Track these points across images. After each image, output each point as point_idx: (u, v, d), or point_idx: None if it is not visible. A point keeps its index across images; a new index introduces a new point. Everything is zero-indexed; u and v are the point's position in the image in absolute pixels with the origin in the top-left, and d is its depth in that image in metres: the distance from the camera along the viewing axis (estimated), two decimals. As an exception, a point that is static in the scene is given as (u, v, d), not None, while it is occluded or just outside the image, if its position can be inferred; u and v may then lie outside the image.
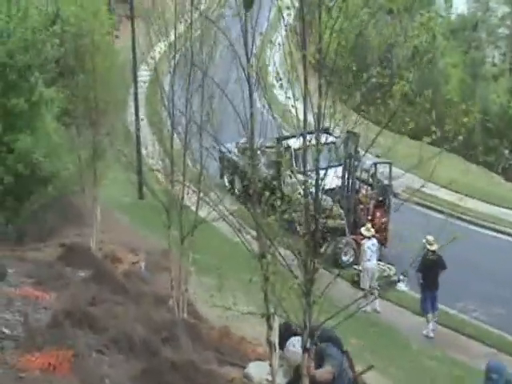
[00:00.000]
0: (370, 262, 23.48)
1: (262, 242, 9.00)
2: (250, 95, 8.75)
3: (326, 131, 26.25)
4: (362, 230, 24.14)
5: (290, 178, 24.70)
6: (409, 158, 30.76)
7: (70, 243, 21.41)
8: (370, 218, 26.39)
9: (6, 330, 10.76)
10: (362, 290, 22.50)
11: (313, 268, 7.78)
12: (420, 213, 29.21)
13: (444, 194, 28.80)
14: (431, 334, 21.34)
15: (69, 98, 25.07)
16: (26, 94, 24.65)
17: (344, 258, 25.99)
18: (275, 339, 9.06)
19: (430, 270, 21.36)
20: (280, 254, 8.55)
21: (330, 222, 26.76)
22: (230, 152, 28.86)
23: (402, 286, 23.55)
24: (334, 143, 27.89)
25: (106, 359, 10.19)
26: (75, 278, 16.79)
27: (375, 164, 26.69)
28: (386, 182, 26.79)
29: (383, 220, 26.60)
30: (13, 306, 12.87)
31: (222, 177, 31.53)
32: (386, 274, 23.93)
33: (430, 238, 21.86)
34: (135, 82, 28.54)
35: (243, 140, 29.80)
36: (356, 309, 8.03)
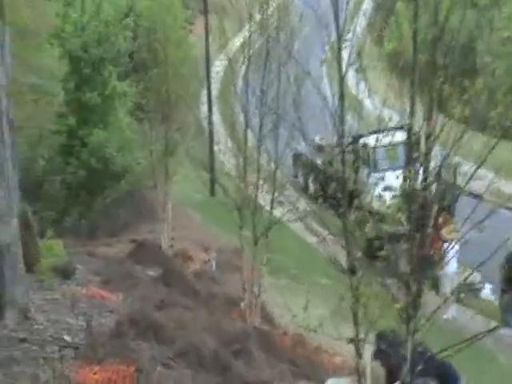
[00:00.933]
0: (450, 266, 21.83)
1: (352, 253, 7.73)
2: (341, 77, 7.31)
3: (401, 128, 24.14)
4: (443, 231, 22.45)
5: (368, 178, 23.02)
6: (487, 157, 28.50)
7: (141, 240, 20.49)
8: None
9: (68, 338, 9.84)
10: (440, 296, 21.10)
11: (417, 289, 6.51)
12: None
13: None
14: None
15: (142, 93, 24.35)
16: (100, 88, 24.01)
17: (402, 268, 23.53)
18: (366, 369, 7.76)
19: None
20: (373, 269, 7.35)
21: (388, 228, 25.38)
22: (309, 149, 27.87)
23: (487, 294, 21.85)
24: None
25: (173, 374, 9.15)
26: (144, 278, 15.83)
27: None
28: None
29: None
30: (77, 308, 11.97)
31: (295, 176, 30.41)
32: (468, 280, 22.05)
33: None
34: (208, 76, 27.57)
35: (318, 137, 28.66)
36: (474, 338, 6.63)
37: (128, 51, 25.05)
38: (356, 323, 7.40)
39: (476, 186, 8.29)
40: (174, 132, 21.59)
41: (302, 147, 27.23)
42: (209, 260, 21.07)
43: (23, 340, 9.64)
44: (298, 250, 23.62)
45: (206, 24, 28.91)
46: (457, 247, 21.56)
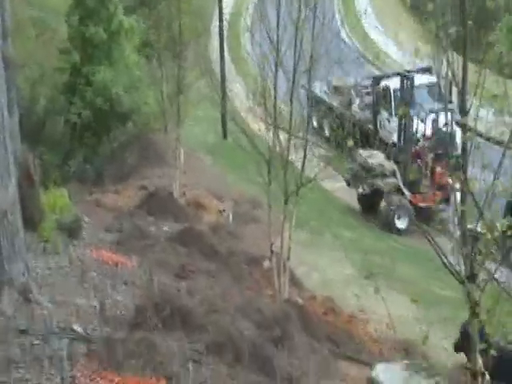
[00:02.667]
0: None
1: (472, 258, 5.65)
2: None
3: (428, 71, 21.17)
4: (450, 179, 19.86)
5: (388, 121, 20.20)
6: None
7: (152, 190, 18.33)
8: (428, 174, 21.30)
9: (78, 328, 7.82)
10: None
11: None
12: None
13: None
14: None
15: (151, 28, 21.99)
16: (105, 23, 21.49)
17: (397, 223, 20.71)
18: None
19: None
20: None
21: (380, 181, 20.95)
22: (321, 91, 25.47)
23: None
24: (438, 83, 23.83)
25: (207, 373, 7.15)
26: (159, 235, 13.73)
27: (436, 112, 21.91)
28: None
29: (443, 176, 20.61)
30: (87, 280, 9.94)
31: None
32: None
33: None
34: (220, 9, 25.04)
35: (334, 78, 26.22)
36: None
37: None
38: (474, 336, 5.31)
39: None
40: (186, 71, 19.29)
41: (317, 89, 24.97)
42: (224, 210, 18.94)
43: (23, 331, 7.61)
44: (317, 199, 21.55)
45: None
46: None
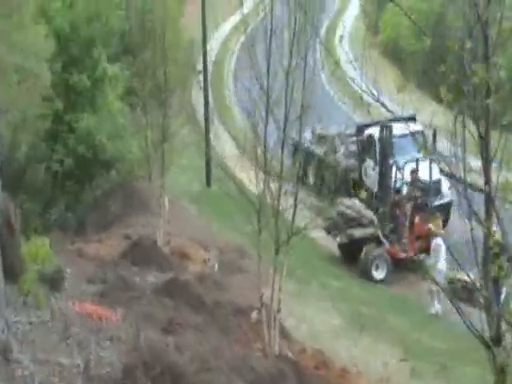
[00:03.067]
0: (441, 263, 18.63)
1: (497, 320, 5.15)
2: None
3: (413, 119, 21.07)
4: (431, 225, 19.61)
5: (373, 169, 19.91)
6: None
7: (136, 238, 17.77)
8: (408, 224, 20.64)
9: (61, 390, 7.22)
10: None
11: None
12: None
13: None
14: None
15: (135, 76, 21.67)
16: (89, 70, 21.12)
17: (375, 273, 20.07)
18: None
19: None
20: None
21: (359, 232, 20.50)
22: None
23: None
24: (422, 132, 23.59)
25: None
26: (144, 287, 13.16)
27: (417, 160, 21.05)
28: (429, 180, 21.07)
29: (423, 226, 20.26)
30: (70, 336, 9.33)
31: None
32: None
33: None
34: (205, 57, 24.79)
35: (319, 127, 25.92)
36: None
37: (120, 31, 22.32)
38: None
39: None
40: (171, 119, 18.90)
41: (301, 137, 24.60)
42: (208, 259, 18.36)
43: (3, 396, 7.01)
44: (303, 247, 21.07)
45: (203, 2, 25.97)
46: (444, 246, 18.40)
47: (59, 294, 11.84)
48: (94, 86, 21.06)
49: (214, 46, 32.52)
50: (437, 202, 21.72)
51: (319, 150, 24.54)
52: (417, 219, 20.59)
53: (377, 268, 20.35)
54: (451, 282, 19.29)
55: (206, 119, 24.36)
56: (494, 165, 6.60)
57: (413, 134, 22.59)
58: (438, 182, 22.33)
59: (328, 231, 21.58)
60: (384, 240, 20.79)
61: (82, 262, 15.68)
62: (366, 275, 20.13)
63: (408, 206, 20.86)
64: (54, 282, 12.10)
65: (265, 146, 12.47)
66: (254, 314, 14.25)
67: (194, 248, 19.14)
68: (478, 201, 6.88)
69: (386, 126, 21.56)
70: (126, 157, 21.61)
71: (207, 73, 25.26)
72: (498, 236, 5.75)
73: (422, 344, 15.34)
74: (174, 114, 19.41)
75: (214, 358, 8.59)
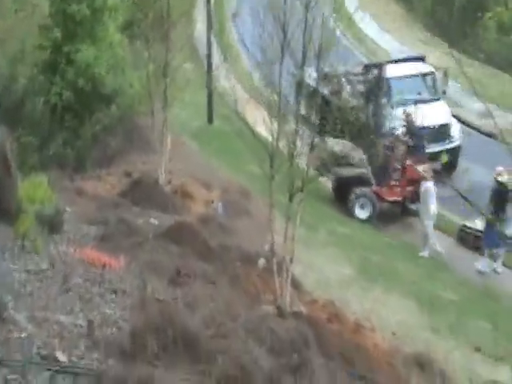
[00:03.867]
0: (434, 205, 17.92)
1: None
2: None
3: (421, 60, 19.84)
4: (420, 168, 18.61)
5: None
6: (502, 94, 24.37)
7: (137, 177, 16.78)
8: (399, 167, 19.66)
9: (61, 356, 6.31)
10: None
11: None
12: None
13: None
14: (485, 269, 16.78)
15: (136, 7, 20.36)
16: (88, 0, 19.81)
17: (357, 212, 19.39)
18: None
19: (499, 202, 17.03)
20: None
21: (346, 170, 19.57)
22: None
23: None
24: (433, 73, 22.43)
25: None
26: (147, 230, 12.17)
27: (415, 101, 20.29)
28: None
29: (415, 171, 19.23)
30: (71, 287, 8.43)
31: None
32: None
33: (501, 168, 17.42)
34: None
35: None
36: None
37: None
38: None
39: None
40: (173, 52, 17.69)
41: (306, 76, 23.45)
42: (212, 201, 17.41)
43: (-3, 362, 6.11)
44: (309, 191, 20.13)
45: None
46: (434, 189, 17.51)
47: (58, 236, 10.91)
48: (94, 16, 19.70)
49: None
50: (444, 146, 20.76)
51: (325, 90, 23.33)
52: (408, 163, 19.59)
53: (362, 207, 19.62)
54: (461, 229, 18.50)
55: (209, 53, 23.06)
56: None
57: (423, 75, 21.60)
58: (447, 125, 21.33)
59: (318, 170, 20.62)
60: (372, 180, 19.88)
61: (82, 201, 14.68)
62: (351, 213, 19.48)
63: (400, 149, 19.89)
64: (52, 224, 11.14)
65: (280, 84, 11.37)
66: (261, 262, 13.38)
67: (196, 187, 18.13)
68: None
69: (379, 66, 20.95)
70: (126, 91, 20.45)
71: (210, 5, 23.82)
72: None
73: (434, 295, 14.54)
74: (177, 48, 18.25)
75: (228, 318, 7.69)
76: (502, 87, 25.98)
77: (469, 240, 18.00)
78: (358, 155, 20.14)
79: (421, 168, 18.74)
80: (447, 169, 21.04)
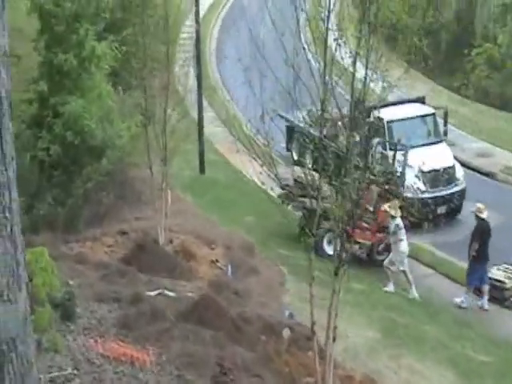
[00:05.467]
0: (404, 242, 16.84)
1: None
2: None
3: (421, 101, 18.61)
4: (386, 206, 17.22)
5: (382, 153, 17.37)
6: (496, 131, 23.30)
7: (139, 240, 15.30)
8: (371, 209, 18.12)
9: None
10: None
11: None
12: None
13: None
14: (465, 305, 16.32)
15: (125, 54, 19.26)
16: (75, 49, 18.40)
17: (326, 248, 17.96)
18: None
19: (483, 239, 16.47)
20: None
21: (314, 203, 20.04)
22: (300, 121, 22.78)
23: None
24: (433, 114, 21.38)
25: None
26: (168, 307, 10.70)
27: (395, 144, 18.95)
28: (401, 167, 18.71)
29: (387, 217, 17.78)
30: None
31: (288, 150, 23.76)
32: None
33: (481, 205, 16.70)
34: (197, 36, 22.08)
35: (315, 108, 23.45)
36: None
37: (107, 7, 19.66)
38: None
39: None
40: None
41: (296, 118, 22.36)
42: (217, 260, 16.01)
43: None
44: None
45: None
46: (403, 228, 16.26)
47: (73, 325, 9.42)
48: (81, 66, 18.31)
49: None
50: (451, 190, 19.66)
51: (319, 133, 22.16)
52: (382, 208, 18.26)
53: (330, 242, 17.69)
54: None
55: (199, 102, 21.76)
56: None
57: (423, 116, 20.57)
58: (451, 167, 20.31)
59: (282, 200, 19.26)
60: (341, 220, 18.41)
61: (84, 270, 13.16)
62: (318, 250, 17.29)
63: (374, 193, 18.55)
64: (65, 310, 9.68)
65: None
66: (286, 333, 12.02)
67: (198, 245, 16.70)
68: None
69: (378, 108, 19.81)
70: (115, 143, 19.02)
71: (200, 52, 22.57)
72: None
73: (468, 358, 13.28)
74: (160, 95, 16.99)
75: None
76: (495, 124, 25.14)
77: (493, 292, 16.82)
78: (328, 190, 18.53)
79: (386, 205, 17.30)
80: (453, 212, 20.00)
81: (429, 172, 19.33)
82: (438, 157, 19.85)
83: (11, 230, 5.23)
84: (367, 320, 14.30)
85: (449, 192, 19.59)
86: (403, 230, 16.89)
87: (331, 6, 9.57)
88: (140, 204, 18.95)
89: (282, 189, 18.98)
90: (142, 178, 20.12)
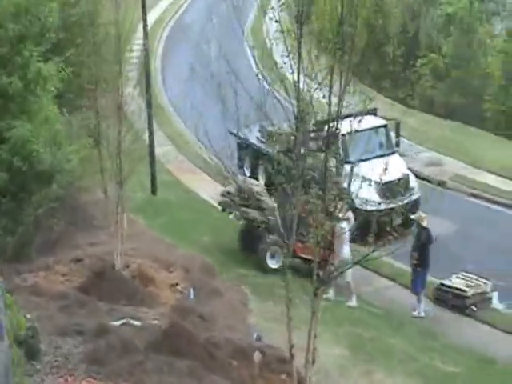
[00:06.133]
0: (347, 247, 16.23)
1: None
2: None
3: (373, 113, 18.40)
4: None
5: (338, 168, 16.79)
6: (443, 140, 23.28)
7: (96, 267, 14.62)
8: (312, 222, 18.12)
9: None
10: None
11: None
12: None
13: (492, 180, 22.39)
14: (422, 314, 16.34)
15: (62, 77, 18.60)
16: (20, 71, 17.63)
17: (270, 262, 17.62)
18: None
19: (425, 246, 16.60)
20: None
21: (255, 213, 17.40)
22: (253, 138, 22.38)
23: (497, 304, 17.09)
24: (386, 126, 21.20)
25: None
26: (138, 341, 10.10)
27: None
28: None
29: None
30: None
31: (241, 167, 23.06)
32: (480, 290, 16.86)
33: (422, 213, 16.99)
34: (146, 55, 21.49)
35: (267, 124, 23.01)
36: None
37: (52, 27, 18.91)
38: None
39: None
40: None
41: (247, 134, 21.96)
42: (177, 284, 15.43)
43: None
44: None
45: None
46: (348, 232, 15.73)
47: (40, 364, 8.77)
48: (27, 88, 17.55)
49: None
50: (407, 200, 19.46)
51: (271, 149, 21.74)
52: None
53: (273, 256, 17.71)
54: (438, 289, 17.17)
55: (150, 123, 21.14)
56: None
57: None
58: (406, 177, 20.21)
59: (223, 208, 18.77)
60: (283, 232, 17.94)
61: (41, 302, 12.44)
62: (261, 263, 17.61)
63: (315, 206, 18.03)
64: (29, 347, 9.02)
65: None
66: (257, 356, 11.57)
67: (155, 269, 16.09)
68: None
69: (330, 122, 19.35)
70: (64, 167, 18.26)
71: (149, 70, 21.98)
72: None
73: (436, 369, 13.05)
74: (112, 116, 16.45)
75: None
76: (441, 133, 25.20)
77: (447, 299, 16.68)
78: (271, 202, 18.09)
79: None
80: (406, 223, 19.82)
81: (384, 183, 19.17)
82: (391, 168, 19.69)
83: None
84: (334, 337, 13.93)
85: (404, 202, 19.42)
86: (347, 236, 16.01)
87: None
88: (92, 229, 18.26)
89: (223, 196, 18.63)
90: (94, 202, 19.45)
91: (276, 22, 9.51)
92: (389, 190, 19.12)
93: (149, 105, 20.42)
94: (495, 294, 16.64)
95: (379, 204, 19.35)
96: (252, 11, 30.47)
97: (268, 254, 17.81)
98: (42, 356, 8.96)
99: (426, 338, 14.98)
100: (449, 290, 16.66)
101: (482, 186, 22.06)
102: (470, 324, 16.11)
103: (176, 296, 14.59)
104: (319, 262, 13.22)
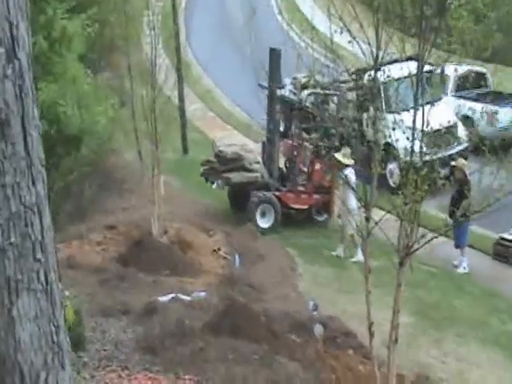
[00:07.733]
0: (352, 197, 13.65)
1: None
2: None
3: (414, 59, 15.25)
4: (337, 155, 14.17)
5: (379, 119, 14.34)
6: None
7: (134, 234, 13.28)
8: (305, 170, 16.55)
9: None
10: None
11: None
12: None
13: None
14: (467, 269, 14.57)
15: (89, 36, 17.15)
16: (44, 30, 16.11)
17: (259, 221, 15.93)
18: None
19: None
20: None
21: (239, 176, 15.87)
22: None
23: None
24: (431, 72, 19.43)
25: None
26: (191, 322, 8.71)
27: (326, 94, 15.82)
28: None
29: (323, 176, 16.19)
30: None
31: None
32: None
33: (464, 160, 14.84)
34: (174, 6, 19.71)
35: (301, 75, 21.08)
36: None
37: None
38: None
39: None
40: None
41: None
42: (219, 249, 14.03)
43: None
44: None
45: None
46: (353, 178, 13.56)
47: (86, 354, 7.41)
48: (51, 48, 16.06)
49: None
50: (454, 150, 17.85)
51: (306, 102, 20.01)
52: (317, 167, 16.18)
53: (263, 215, 16.06)
54: (497, 243, 15.53)
55: (180, 81, 19.52)
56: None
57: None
58: (453, 126, 18.57)
59: (205, 177, 16.67)
60: (272, 185, 16.26)
61: (78, 276, 11.09)
62: (252, 222, 15.80)
63: (307, 151, 16.55)
64: (74, 336, 7.64)
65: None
66: (318, 329, 10.18)
67: (194, 233, 14.71)
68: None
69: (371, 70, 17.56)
70: (93, 129, 16.83)
71: (178, 27, 20.27)
72: None
73: (510, 335, 11.65)
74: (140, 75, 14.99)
75: None
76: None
77: (508, 254, 15.04)
78: (253, 158, 16.30)
79: (339, 155, 14.58)
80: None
81: (430, 132, 17.51)
82: (437, 115, 18.04)
83: (46, 278, 3.27)
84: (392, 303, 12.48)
85: (451, 152, 17.82)
86: (355, 182, 13.82)
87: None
88: (123, 193, 16.91)
89: (203, 165, 16.66)
90: (123, 165, 18.08)
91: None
92: (435, 139, 17.42)
93: (178, 60, 18.81)
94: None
95: (425, 154, 17.77)
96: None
97: (258, 213, 16.12)
98: (88, 344, 7.59)
99: (491, 298, 13.49)
100: (510, 244, 15.03)
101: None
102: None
103: (220, 262, 13.20)
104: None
